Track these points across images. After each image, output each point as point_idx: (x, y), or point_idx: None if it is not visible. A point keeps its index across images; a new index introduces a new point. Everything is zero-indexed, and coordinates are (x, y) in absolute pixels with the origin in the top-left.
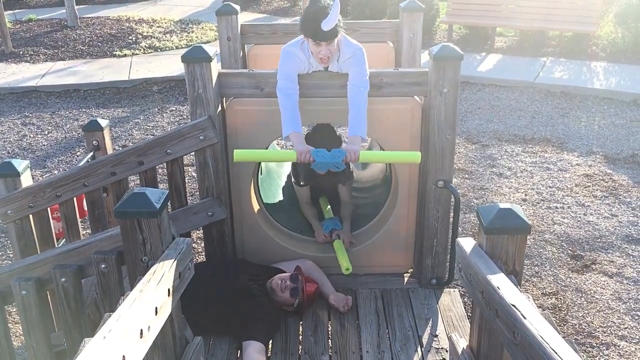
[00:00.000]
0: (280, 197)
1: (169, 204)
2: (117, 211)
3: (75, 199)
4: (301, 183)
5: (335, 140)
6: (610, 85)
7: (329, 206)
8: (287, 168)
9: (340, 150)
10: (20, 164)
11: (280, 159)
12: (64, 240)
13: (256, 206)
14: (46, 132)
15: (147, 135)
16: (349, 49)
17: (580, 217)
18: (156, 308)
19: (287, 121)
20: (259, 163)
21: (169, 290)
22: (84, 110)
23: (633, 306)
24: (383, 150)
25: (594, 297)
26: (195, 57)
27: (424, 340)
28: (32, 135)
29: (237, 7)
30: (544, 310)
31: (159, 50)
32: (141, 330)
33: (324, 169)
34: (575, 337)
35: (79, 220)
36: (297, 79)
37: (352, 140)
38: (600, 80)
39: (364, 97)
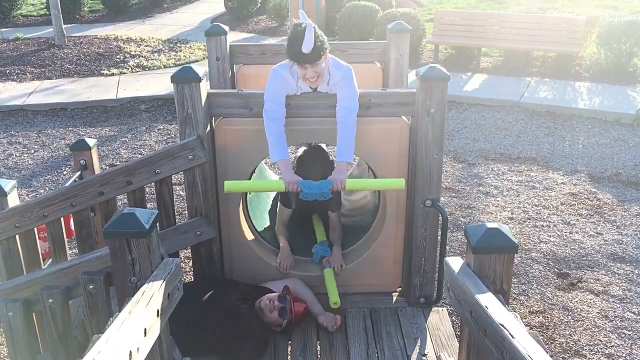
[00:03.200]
0: (269, 216)
1: (157, 223)
2: (106, 231)
3: (62, 218)
4: (292, 206)
5: (327, 166)
6: (594, 105)
7: (322, 226)
8: None
9: (328, 180)
10: (7, 184)
11: (268, 189)
12: (51, 260)
13: (245, 226)
14: (32, 151)
15: (135, 154)
16: (339, 70)
17: (566, 235)
18: (145, 329)
19: (274, 147)
20: None
21: (158, 311)
22: (70, 129)
23: (619, 324)
24: (371, 169)
25: (580, 315)
26: (184, 77)
27: (413, 359)
28: (18, 154)
29: (226, 28)
30: (531, 328)
31: (146, 69)
32: (130, 351)
33: (311, 199)
34: (562, 355)
35: (65, 240)
36: (284, 101)
37: (339, 167)
38: (584, 100)
39: (353, 120)
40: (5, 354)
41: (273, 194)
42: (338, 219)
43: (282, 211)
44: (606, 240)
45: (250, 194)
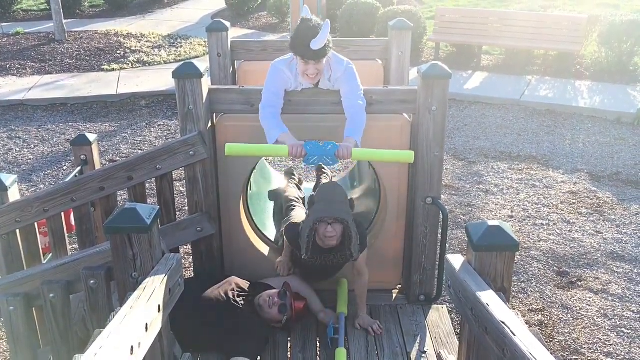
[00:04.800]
0: (270, 213)
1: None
2: (108, 227)
3: (62, 213)
4: (303, 256)
5: (346, 202)
6: (595, 103)
7: (346, 295)
8: (276, 185)
9: (334, 143)
10: (8, 179)
11: (272, 153)
12: (51, 255)
13: (245, 222)
14: (32, 145)
15: (135, 149)
16: (340, 65)
17: (565, 234)
18: (146, 324)
19: (272, 127)
20: (249, 179)
21: (159, 306)
22: (70, 124)
23: (618, 323)
24: (373, 168)
25: (579, 313)
26: (186, 73)
27: (413, 356)
28: (18, 149)
29: (228, 24)
30: (530, 326)
31: (147, 64)
32: (132, 346)
33: (315, 163)
34: (561, 353)
35: (66, 235)
36: (282, 95)
37: (347, 141)
38: (584, 99)
39: (362, 109)
40: (6, 348)
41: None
42: (363, 265)
43: (287, 246)
44: (606, 239)
45: (250, 190)
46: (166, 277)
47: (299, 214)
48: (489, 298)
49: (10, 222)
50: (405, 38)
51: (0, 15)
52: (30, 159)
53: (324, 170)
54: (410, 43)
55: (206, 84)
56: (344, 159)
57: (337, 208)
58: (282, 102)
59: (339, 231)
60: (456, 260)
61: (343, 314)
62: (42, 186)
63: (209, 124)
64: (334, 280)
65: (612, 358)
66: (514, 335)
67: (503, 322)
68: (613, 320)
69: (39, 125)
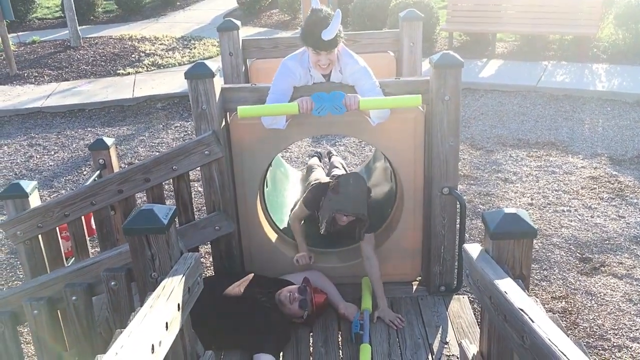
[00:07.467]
0: (287, 210)
1: (176, 219)
2: (126, 228)
3: (83, 217)
4: (321, 232)
5: (367, 195)
6: (613, 86)
7: (369, 293)
8: (293, 181)
9: (341, 92)
10: (29, 185)
11: (282, 112)
12: (73, 259)
13: (263, 219)
14: (52, 152)
15: (153, 152)
16: (350, 59)
17: (587, 219)
18: (167, 323)
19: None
20: (265, 176)
21: (178, 305)
22: (89, 129)
23: None
24: (389, 160)
25: (604, 299)
26: (198, 73)
27: (435, 347)
28: (38, 156)
29: (238, 23)
30: (554, 313)
31: (161, 67)
32: (152, 345)
33: (324, 113)
34: (586, 340)
35: (87, 238)
36: (290, 93)
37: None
38: (602, 82)
39: None
40: (33, 353)
41: (292, 187)
42: (371, 248)
43: (301, 210)
44: (628, 223)
45: (267, 187)
46: (185, 276)
47: (319, 175)
48: (507, 286)
49: (32, 227)
50: (416, 29)
51: (17, 24)
52: (50, 165)
53: (335, 165)
54: (422, 33)
55: (218, 83)
56: (351, 108)
57: (356, 205)
58: (287, 100)
59: (353, 219)
60: (473, 249)
61: (368, 311)
62: (63, 191)
63: (223, 123)
64: (354, 274)
65: (638, 343)
66: (533, 322)
67: (521, 310)
68: (638, 305)
69: (58, 131)
